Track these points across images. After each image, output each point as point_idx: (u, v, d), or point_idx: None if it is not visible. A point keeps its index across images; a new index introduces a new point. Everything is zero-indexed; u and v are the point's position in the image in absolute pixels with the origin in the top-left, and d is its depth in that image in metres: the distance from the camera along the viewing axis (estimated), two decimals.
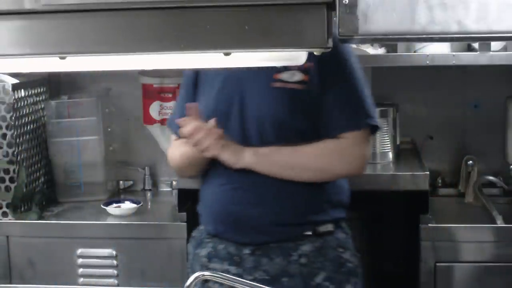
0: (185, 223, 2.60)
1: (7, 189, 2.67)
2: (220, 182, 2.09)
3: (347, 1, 1.00)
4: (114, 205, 2.82)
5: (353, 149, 2.05)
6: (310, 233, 2.05)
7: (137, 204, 2.81)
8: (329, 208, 2.09)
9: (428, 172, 2.55)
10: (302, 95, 2.02)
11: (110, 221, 2.74)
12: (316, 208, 2.07)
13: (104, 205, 2.78)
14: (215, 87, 2.10)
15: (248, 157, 2.02)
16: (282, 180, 2.03)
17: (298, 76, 2.02)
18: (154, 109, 3.07)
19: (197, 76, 2.17)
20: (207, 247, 2.11)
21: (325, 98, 2.03)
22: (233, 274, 1.97)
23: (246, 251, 2.05)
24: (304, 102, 2.03)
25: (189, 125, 1.99)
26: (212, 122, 2.00)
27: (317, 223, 2.06)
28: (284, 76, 2.03)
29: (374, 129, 2.11)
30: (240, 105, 2.05)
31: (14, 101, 2.66)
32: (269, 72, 2.04)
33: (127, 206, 2.82)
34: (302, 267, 2.02)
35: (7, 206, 2.67)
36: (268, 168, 2.02)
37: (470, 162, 2.93)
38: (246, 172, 2.02)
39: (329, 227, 2.07)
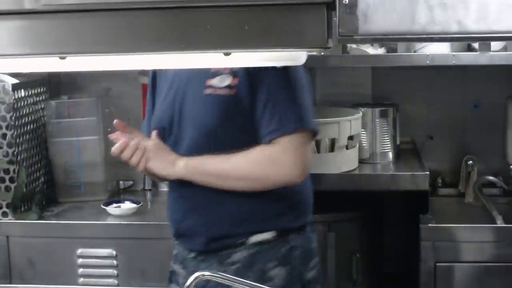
0: None
1: (7, 189, 2.67)
2: (170, 190, 2.17)
3: (347, 1, 1.00)
4: (114, 205, 2.82)
5: (286, 155, 1.91)
6: (243, 241, 1.98)
7: (137, 204, 2.81)
8: (272, 217, 1.99)
9: (428, 172, 2.55)
10: (232, 101, 1.93)
11: (110, 221, 2.74)
12: (255, 217, 1.98)
13: (104, 205, 2.78)
14: (162, 93, 2.10)
15: (179, 168, 1.98)
16: (219, 189, 1.97)
17: (227, 81, 1.94)
18: None
19: (155, 78, 2.17)
20: (175, 248, 2.17)
21: (255, 101, 1.93)
22: (182, 277, 2.06)
23: (191, 255, 2.07)
24: (235, 108, 1.93)
25: (117, 143, 2.01)
26: (153, 134, 2.03)
27: (254, 232, 1.98)
28: (215, 81, 1.95)
29: (313, 133, 1.98)
30: (179, 114, 2.02)
31: (14, 101, 2.66)
32: (202, 78, 1.97)
33: (127, 206, 2.82)
34: (234, 275, 1.98)
35: (7, 206, 2.67)
36: (200, 178, 1.97)
37: (470, 162, 2.93)
38: (186, 182, 2.00)
39: (266, 235, 1.98)
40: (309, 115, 1.95)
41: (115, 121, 2.08)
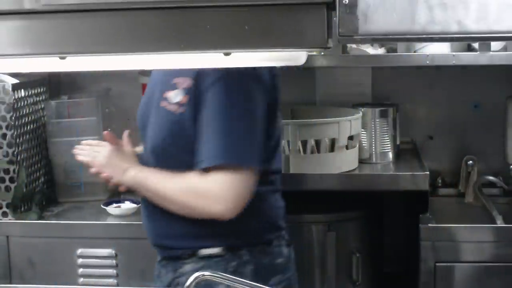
0: None
1: (7, 189, 2.67)
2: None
3: (347, 1, 1.00)
4: (114, 205, 2.82)
5: (214, 189, 1.82)
6: (194, 252, 1.96)
7: (137, 204, 2.81)
8: (221, 234, 1.94)
9: (428, 172, 2.55)
10: (178, 119, 1.86)
11: (110, 221, 2.74)
12: (202, 233, 1.94)
13: (104, 205, 2.78)
14: (146, 92, 2.11)
15: (127, 178, 1.96)
16: None
17: (179, 97, 1.87)
18: None
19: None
20: None
21: (197, 124, 1.84)
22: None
23: (158, 258, 2.09)
24: (180, 127, 1.86)
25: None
26: (125, 135, 2.09)
27: (202, 246, 1.95)
28: (170, 95, 1.89)
29: (249, 168, 1.85)
30: (144, 119, 2.01)
31: (14, 101, 2.66)
32: (164, 88, 1.91)
33: (127, 206, 2.82)
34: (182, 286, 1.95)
35: (7, 206, 2.67)
36: (143, 192, 1.96)
37: (470, 162, 2.93)
38: None
39: (215, 250, 1.94)
40: (244, 149, 1.83)
41: (105, 132, 2.10)
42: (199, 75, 1.84)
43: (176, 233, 1.98)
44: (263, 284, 1.93)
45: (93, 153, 2.05)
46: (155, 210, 1.98)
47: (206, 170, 1.83)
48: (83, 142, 2.11)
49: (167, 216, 1.95)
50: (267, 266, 1.97)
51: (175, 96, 1.88)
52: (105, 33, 1.08)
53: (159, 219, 2.00)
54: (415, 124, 3.12)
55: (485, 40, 1.29)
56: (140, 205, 2.79)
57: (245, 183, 1.84)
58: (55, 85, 3.15)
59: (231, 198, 1.82)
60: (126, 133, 2.08)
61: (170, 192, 1.89)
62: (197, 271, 1.90)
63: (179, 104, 1.87)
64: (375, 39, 1.04)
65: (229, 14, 1.04)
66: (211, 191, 1.83)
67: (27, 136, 2.78)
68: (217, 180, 1.82)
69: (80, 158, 2.08)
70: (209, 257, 1.94)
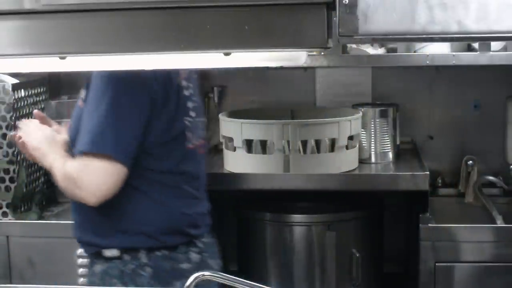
0: None
1: (7, 189, 2.67)
2: None
3: (347, 1, 1.00)
4: None
5: (80, 174, 1.92)
6: (99, 253, 2.04)
7: None
8: (119, 234, 2.01)
9: (428, 172, 2.55)
10: (81, 113, 1.97)
11: None
12: (103, 232, 2.03)
13: None
14: None
15: (47, 164, 2.04)
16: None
17: (83, 93, 2.00)
18: None
19: None
20: None
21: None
22: None
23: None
24: (81, 121, 1.96)
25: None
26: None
27: (105, 246, 2.02)
28: (81, 92, 2.02)
29: (116, 159, 1.91)
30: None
31: (14, 101, 2.66)
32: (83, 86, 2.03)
33: None
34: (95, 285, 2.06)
35: (7, 206, 2.67)
36: (55, 179, 2.02)
37: (470, 162, 2.93)
38: None
39: (115, 252, 2.01)
40: (108, 140, 1.90)
41: (35, 111, 2.21)
42: (92, 73, 1.96)
43: (86, 228, 2.07)
44: (165, 287, 1.97)
45: (25, 128, 2.12)
46: (73, 204, 2.08)
47: (78, 157, 1.94)
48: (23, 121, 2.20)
49: (79, 210, 2.05)
50: (169, 270, 2.01)
51: (82, 93, 2.01)
52: (105, 33, 1.08)
53: (74, 212, 2.10)
54: (415, 124, 3.12)
55: (485, 40, 1.29)
56: None
57: (108, 171, 1.92)
58: (55, 85, 3.15)
59: (92, 185, 1.92)
60: (36, 112, 2.16)
61: (58, 178, 1.99)
62: (101, 273, 2.01)
63: (82, 99, 2.00)
64: (375, 39, 1.04)
65: (229, 14, 1.04)
66: (77, 176, 1.92)
67: None
68: (82, 166, 1.92)
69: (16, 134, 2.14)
70: (111, 258, 2.02)
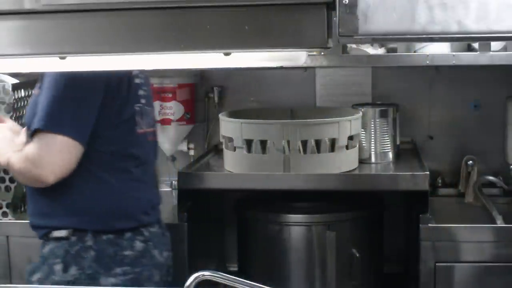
0: (185, 223, 2.60)
1: (7, 189, 2.67)
2: None
3: (347, 1, 1.00)
4: None
5: (34, 151, 1.97)
6: (48, 234, 2.09)
7: None
8: (68, 215, 2.06)
9: (428, 172, 2.55)
10: (37, 100, 2.02)
11: None
12: (53, 213, 2.08)
13: None
14: None
15: (3, 161, 2.06)
16: None
17: (39, 83, 2.05)
18: None
19: None
20: None
21: None
22: None
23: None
24: (37, 107, 2.01)
25: None
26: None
27: (54, 227, 2.07)
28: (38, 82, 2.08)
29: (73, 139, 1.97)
30: None
31: (14, 101, 2.66)
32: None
33: None
34: (42, 266, 2.11)
35: (7, 206, 2.67)
36: (13, 168, 2.06)
37: (470, 162, 2.93)
38: None
39: (64, 233, 2.06)
40: (60, 120, 1.96)
41: None
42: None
43: (36, 211, 2.12)
44: (105, 272, 2.02)
45: None
46: (28, 191, 2.14)
47: (35, 135, 1.98)
48: None
49: (32, 194, 2.11)
50: (111, 256, 2.06)
51: (38, 83, 2.07)
52: (105, 33, 1.08)
53: (29, 197, 2.14)
54: (415, 124, 3.12)
55: (485, 40, 1.29)
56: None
57: (67, 150, 1.97)
58: None
59: (52, 163, 1.96)
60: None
61: (15, 165, 2.02)
62: (48, 253, 2.05)
63: (38, 88, 2.05)
64: (375, 39, 1.04)
65: (229, 14, 1.04)
66: (38, 155, 1.96)
67: None
68: (43, 145, 1.96)
69: None
70: (59, 239, 2.06)
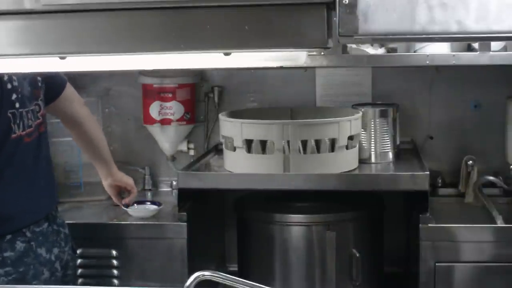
0: (185, 223, 2.60)
1: None
2: None
3: (347, 1, 1.00)
4: (136, 206, 2.79)
5: None
6: None
7: (158, 206, 2.79)
8: None
9: (428, 172, 2.55)
10: None
11: (109, 221, 2.74)
12: None
13: (124, 206, 2.74)
14: None
15: None
16: None
17: None
18: (154, 109, 3.08)
19: None
20: None
21: None
22: None
23: None
24: None
25: None
26: None
27: None
28: None
29: None
30: None
31: None
32: None
33: (148, 207, 2.80)
34: None
35: None
36: None
37: (470, 162, 2.92)
38: None
39: None
40: None
41: None
42: None
43: None
44: None
45: None
46: None
47: None
48: None
49: None
50: None
51: None
52: (105, 33, 1.08)
53: None
54: (415, 124, 3.12)
55: (485, 40, 1.29)
56: (161, 206, 2.80)
57: None
58: None
59: None
60: None
61: None
62: None
63: None
64: (375, 39, 1.04)
65: (229, 14, 1.04)
66: None
67: None
68: None
69: None
70: None
